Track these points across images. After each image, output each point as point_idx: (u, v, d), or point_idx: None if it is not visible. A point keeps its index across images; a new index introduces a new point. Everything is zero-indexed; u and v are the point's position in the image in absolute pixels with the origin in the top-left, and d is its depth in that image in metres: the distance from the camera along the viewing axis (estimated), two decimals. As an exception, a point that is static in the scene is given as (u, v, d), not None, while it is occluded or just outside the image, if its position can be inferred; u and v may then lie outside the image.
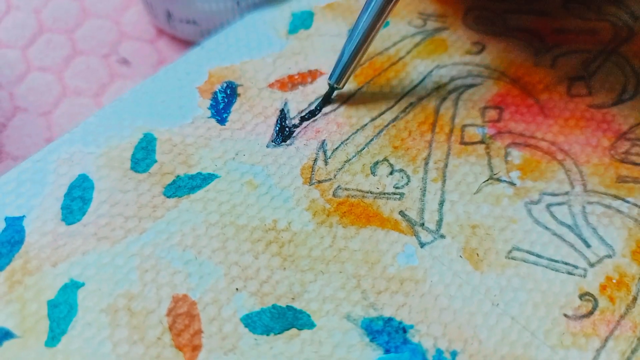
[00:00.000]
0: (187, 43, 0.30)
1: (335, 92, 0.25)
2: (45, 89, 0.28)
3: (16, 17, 0.30)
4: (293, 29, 0.27)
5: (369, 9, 0.23)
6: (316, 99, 0.25)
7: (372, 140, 0.24)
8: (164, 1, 0.28)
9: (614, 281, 0.21)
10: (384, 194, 0.23)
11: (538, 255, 0.22)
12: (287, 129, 0.24)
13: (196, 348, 0.20)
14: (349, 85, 0.25)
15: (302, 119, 0.24)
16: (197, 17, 0.28)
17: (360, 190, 0.23)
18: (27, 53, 0.29)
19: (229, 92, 0.25)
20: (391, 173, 0.23)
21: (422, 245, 0.22)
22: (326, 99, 0.25)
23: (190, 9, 0.27)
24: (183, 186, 0.23)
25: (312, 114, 0.25)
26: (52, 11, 0.30)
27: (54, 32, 0.30)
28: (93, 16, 0.31)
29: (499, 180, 0.23)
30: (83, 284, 0.20)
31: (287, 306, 0.20)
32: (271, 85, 0.25)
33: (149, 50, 0.30)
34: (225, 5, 0.27)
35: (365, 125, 0.24)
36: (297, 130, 0.24)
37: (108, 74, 0.29)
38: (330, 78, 0.24)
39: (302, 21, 0.28)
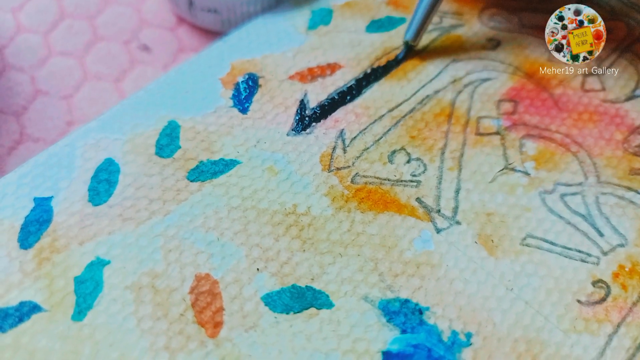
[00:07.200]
0: (206, 31, 0.30)
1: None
2: (67, 73, 0.29)
3: (38, 3, 0.31)
4: (312, 25, 0.28)
5: None
6: (335, 90, 0.26)
7: (389, 130, 0.25)
8: (187, -10, 0.28)
9: (627, 269, 0.22)
10: (401, 181, 0.23)
11: (552, 243, 0.22)
12: (306, 119, 0.25)
13: (218, 325, 0.20)
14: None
15: (323, 108, 0.25)
16: (218, 6, 0.28)
17: (378, 178, 0.23)
18: (48, 38, 0.30)
19: (250, 83, 0.26)
20: (408, 161, 0.24)
21: (438, 231, 0.22)
22: (406, 55, 0.26)
23: (213, -2, 0.28)
24: (206, 171, 0.23)
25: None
26: (74, -2, 0.31)
27: (75, 18, 0.30)
28: (114, 3, 0.31)
29: (513, 170, 0.24)
30: (109, 262, 0.21)
31: (307, 286, 0.21)
32: (291, 77, 0.26)
33: (169, 37, 0.30)
34: (247, -6, 0.28)
35: (383, 116, 0.25)
36: (317, 120, 0.25)
37: (128, 59, 0.30)
38: (405, 35, 0.26)
39: (322, 18, 0.28)
